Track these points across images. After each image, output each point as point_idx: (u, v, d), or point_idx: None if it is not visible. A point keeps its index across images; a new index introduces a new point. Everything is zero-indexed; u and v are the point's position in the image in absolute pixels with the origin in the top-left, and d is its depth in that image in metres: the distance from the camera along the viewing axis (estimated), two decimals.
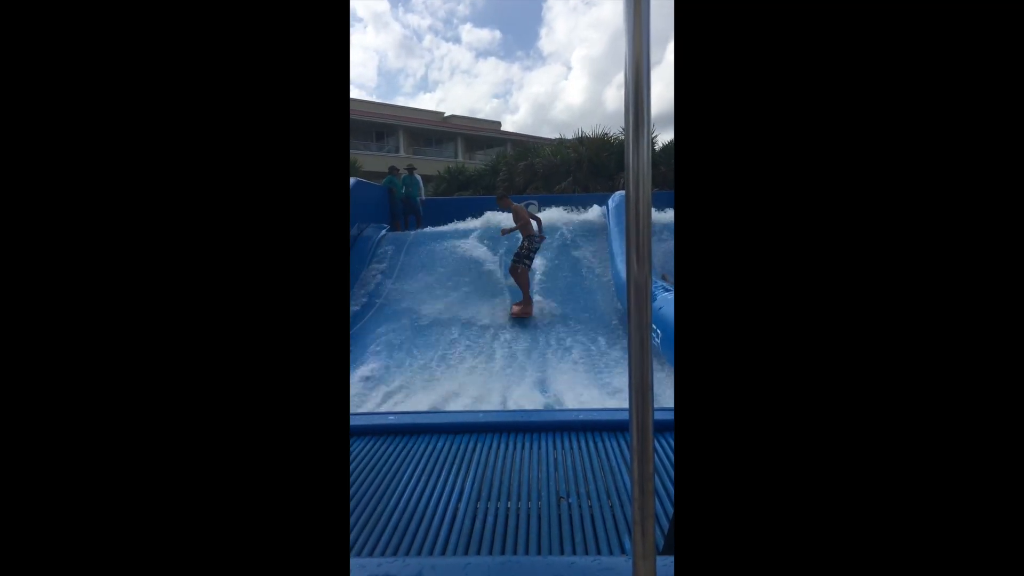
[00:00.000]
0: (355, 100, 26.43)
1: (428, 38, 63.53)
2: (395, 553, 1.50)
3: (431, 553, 1.51)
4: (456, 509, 1.75)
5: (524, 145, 18.39)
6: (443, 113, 29.03)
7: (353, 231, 7.49)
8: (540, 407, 3.73)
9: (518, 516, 1.71)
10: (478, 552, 1.53)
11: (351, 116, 23.37)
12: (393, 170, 9.41)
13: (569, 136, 15.26)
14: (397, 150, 24.19)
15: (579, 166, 13.53)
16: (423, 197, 10.22)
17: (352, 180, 8.02)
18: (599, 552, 1.49)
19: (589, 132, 14.59)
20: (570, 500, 1.79)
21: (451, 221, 8.35)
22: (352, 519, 1.69)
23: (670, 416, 2.27)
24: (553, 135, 19.71)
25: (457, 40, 64.46)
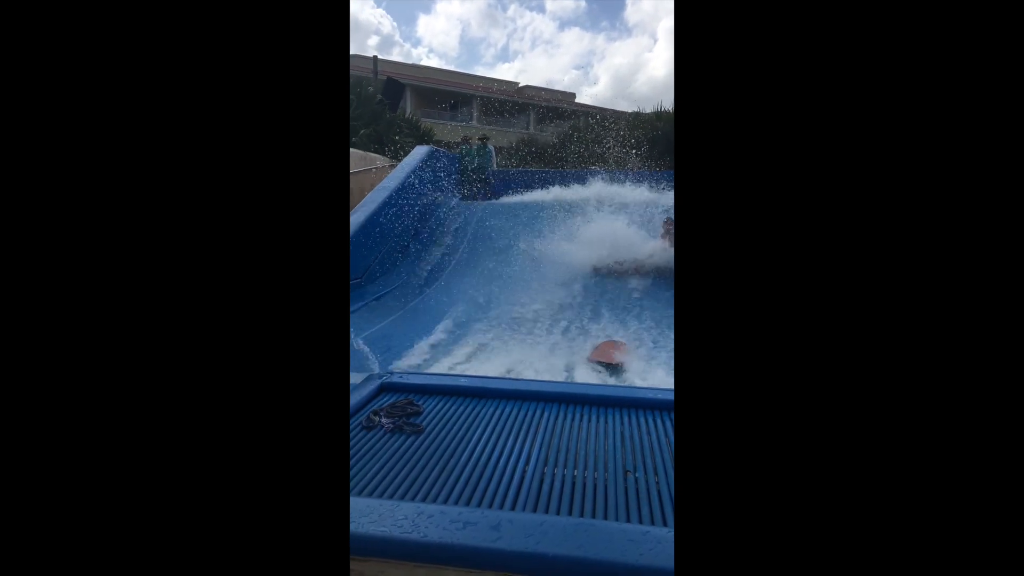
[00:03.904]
0: (431, 68, 26.64)
1: (512, 7, 62.72)
2: (467, 504, 1.58)
3: (501, 509, 1.58)
4: (524, 472, 1.82)
5: (599, 118, 17.96)
6: (517, 84, 28.76)
7: (425, 198, 7.66)
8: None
9: (584, 485, 1.75)
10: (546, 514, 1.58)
11: (428, 85, 23.57)
12: (467, 140, 9.48)
13: (648, 111, 14.73)
14: (471, 119, 24.28)
15: (655, 141, 13.10)
16: (494, 168, 10.26)
17: (426, 148, 8.16)
18: (667, 526, 1.50)
19: (669, 107, 14.02)
20: (637, 475, 1.81)
21: (519, 192, 8.35)
22: (428, 470, 1.79)
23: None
24: (632, 109, 19.11)
25: (541, 9, 63.25)
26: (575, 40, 66.37)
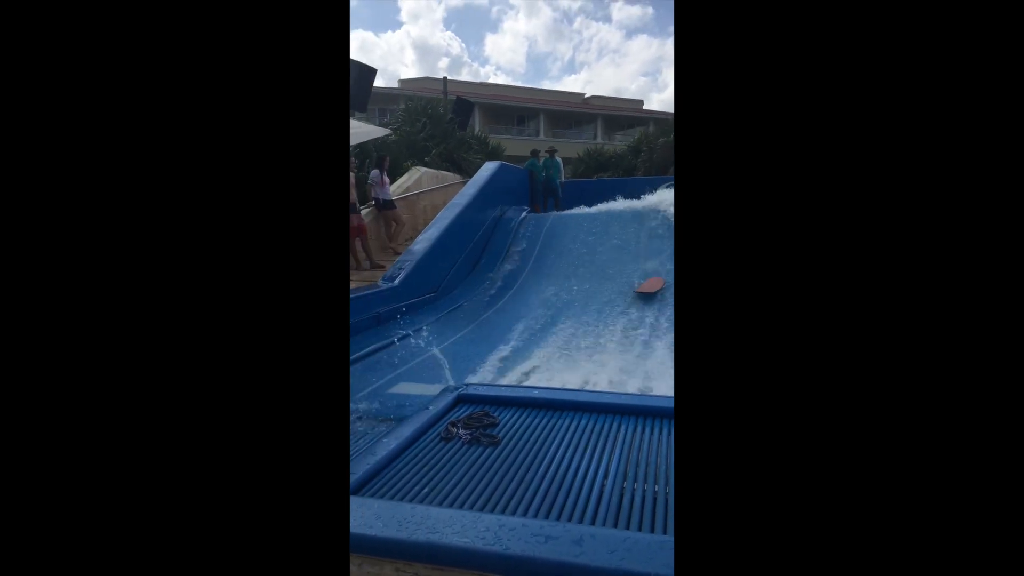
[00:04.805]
0: (498, 85, 27.18)
1: (578, 20, 63.23)
2: (547, 517, 1.57)
3: (581, 523, 1.55)
4: (603, 486, 1.78)
5: (668, 123, 17.55)
6: (583, 95, 28.74)
7: (495, 212, 7.78)
8: None
9: (667, 501, 1.69)
10: (627, 529, 1.54)
11: (495, 102, 24.07)
12: (535, 153, 9.56)
13: None
14: (537, 133, 24.50)
15: None
16: (563, 179, 10.26)
17: (495, 163, 8.31)
18: None
19: None
20: None
21: (589, 203, 8.31)
22: (506, 482, 1.79)
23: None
24: None
25: (607, 19, 63.30)
26: (643, 47, 65.65)
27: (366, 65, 7.65)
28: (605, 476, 1.85)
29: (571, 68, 63.76)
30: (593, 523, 1.56)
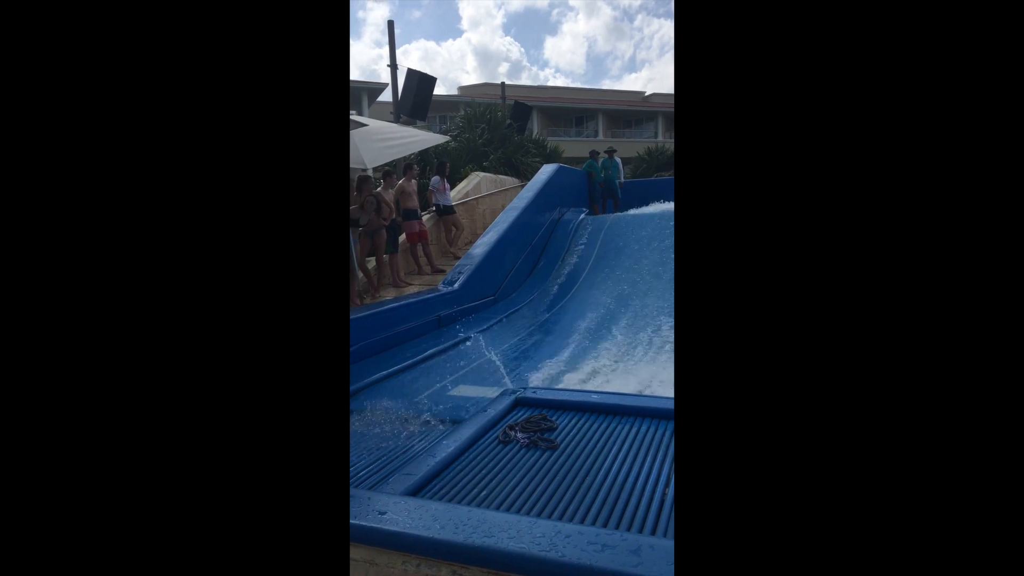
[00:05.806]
0: (556, 88, 27.15)
1: (639, 17, 62.31)
2: (604, 525, 1.54)
3: (640, 533, 1.51)
4: (664, 495, 1.73)
5: None
6: (643, 93, 28.19)
7: (554, 215, 7.76)
8: None
9: None
10: None
11: (553, 104, 24.05)
12: (593, 154, 9.47)
13: None
14: (596, 134, 24.27)
15: None
16: (622, 180, 10.10)
17: (553, 166, 8.29)
18: None
19: None
20: None
21: (649, 204, 8.13)
22: (563, 488, 1.78)
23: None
24: None
25: (669, 15, 62.06)
26: None
27: (426, 74, 7.85)
28: (666, 484, 1.79)
29: (632, 66, 62.82)
30: (653, 533, 1.52)
